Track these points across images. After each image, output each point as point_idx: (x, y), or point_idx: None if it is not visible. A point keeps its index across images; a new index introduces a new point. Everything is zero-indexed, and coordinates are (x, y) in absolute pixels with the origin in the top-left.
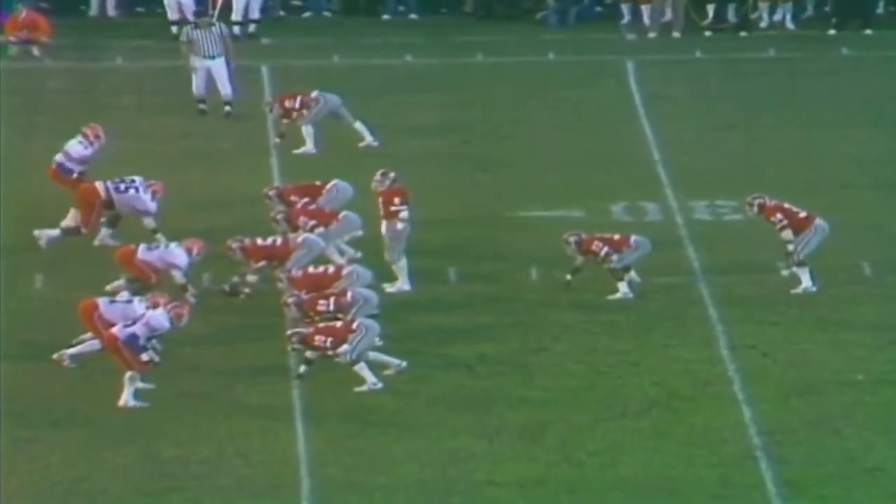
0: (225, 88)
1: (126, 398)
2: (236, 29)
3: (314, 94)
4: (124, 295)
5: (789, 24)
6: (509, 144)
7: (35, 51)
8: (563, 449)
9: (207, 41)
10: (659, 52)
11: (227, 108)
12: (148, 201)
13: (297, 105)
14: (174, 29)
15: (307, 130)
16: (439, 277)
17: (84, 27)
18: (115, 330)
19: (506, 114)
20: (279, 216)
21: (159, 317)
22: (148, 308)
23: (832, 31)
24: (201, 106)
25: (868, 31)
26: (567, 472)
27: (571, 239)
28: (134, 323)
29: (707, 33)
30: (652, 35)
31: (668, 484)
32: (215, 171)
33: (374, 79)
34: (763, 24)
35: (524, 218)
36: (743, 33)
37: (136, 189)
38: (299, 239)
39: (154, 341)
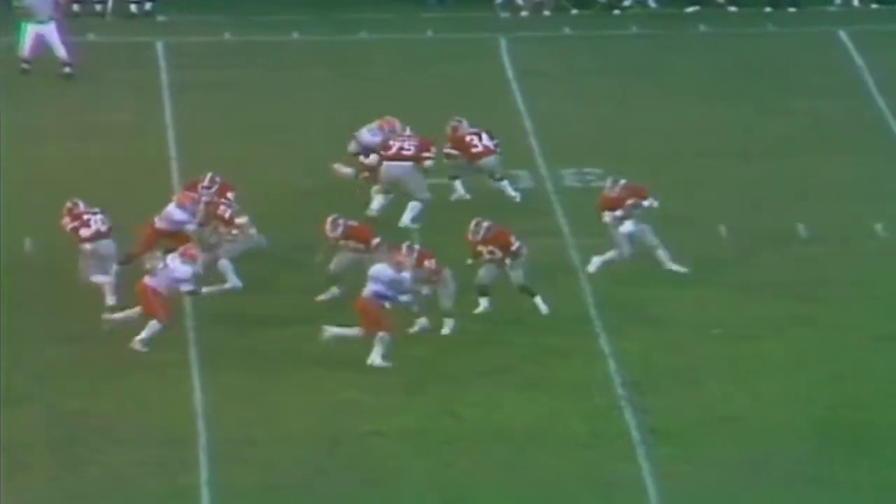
0: (60, 51)
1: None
2: (133, 7)
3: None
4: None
5: (651, 3)
6: (392, 117)
7: None
8: (442, 402)
9: (40, 6)
10: (530, 29)
11: (67, 69)
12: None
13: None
14: (75, 7)
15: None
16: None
17: None
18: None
19: (388, 88)
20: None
21: (179, 266)
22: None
23: (690, 9)
24: (25, 66)
25: (733, 8)
26: (447, 424)
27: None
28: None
29: (574, 11)
30: (524, 14)
31: (540, 434)
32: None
33: (263, 55)
34: (627, 3)
35: None
36: (616, 11)
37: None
38: None
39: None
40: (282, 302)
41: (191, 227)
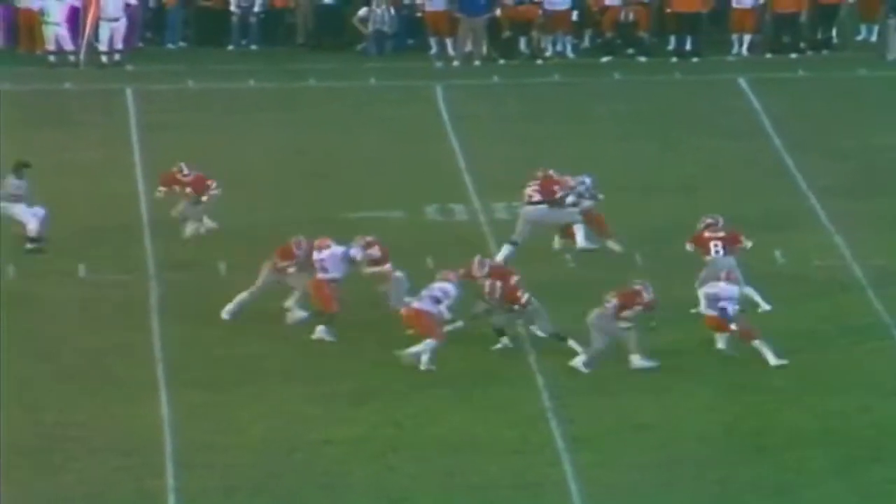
0: None
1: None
2: (104, 57)
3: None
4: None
5: (570, 54)
6: (338, 157)
7: None
8: (385, 412)
9: None
10: (463, 77)
11: None
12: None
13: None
14: (51, 58)
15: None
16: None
17: None
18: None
19: (334, 131)
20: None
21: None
22: None
23: (605, 59)
24: None
25: (643, 58)
26: (389, 433)
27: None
28: None
29: (501, 62)
30: (456, 63)
31: (474, 442)
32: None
33: (222, 100)
34: (548, 54)
35: (353, 219)
36: (539, 61)
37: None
38: None
39: None
40: (239, 323)
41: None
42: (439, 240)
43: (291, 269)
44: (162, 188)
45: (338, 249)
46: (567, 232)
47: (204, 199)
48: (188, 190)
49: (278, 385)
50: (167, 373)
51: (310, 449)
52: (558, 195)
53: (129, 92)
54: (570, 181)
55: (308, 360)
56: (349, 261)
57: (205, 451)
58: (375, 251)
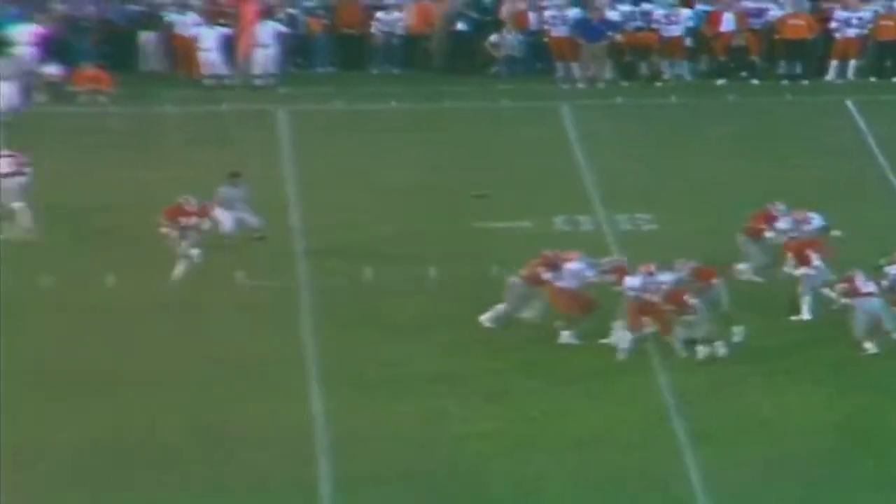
0: None
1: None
2: (258, 81)
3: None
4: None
5: (687, 76)
6: (472, 172)
7: (101, 99)
8: (520, 409)
9: None
10: (587, 98)
11: None
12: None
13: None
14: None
15: None
16: (420, 272)
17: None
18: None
19: (469, 148)
20: None
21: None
22: None
23: (720, 82)
24: None
25: (755, 81)
26: (524, 428)
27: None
28: None
29: (623, 84)
30: (581, 86)
31: (601, 437)
32: None
33: (366, 119)
34: (666, 77)
35: (487, 228)
36: (658, 83)
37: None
38: None
39: None
40: (386, 329)
41: None
42: (566, 248)
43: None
44: (166, 222)
45: (579, 265)
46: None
47: (205, 227)
48: (193, 221)
49: (423, 384)
50: (319, 372)
51: (451, 442)
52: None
53: (281, 112)
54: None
55: (451, 360)
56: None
57: (354, 443)
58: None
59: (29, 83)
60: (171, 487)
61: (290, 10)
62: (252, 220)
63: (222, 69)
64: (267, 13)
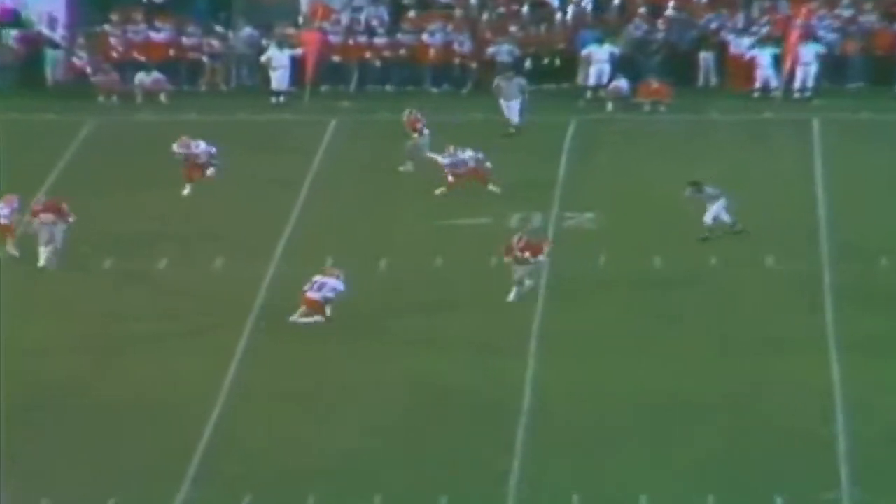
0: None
1: None
2: (798, 94)
3: None
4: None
5: None
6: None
7: (661, 109)
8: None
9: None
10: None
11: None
12: None
13: None
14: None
15: None
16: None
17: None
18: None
19: None
20: None
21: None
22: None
23: None
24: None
25: None
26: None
27: None
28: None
29: None
30: None
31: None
32: None
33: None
34: None
35: None
36: None
37: None
38: None
39: None
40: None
41: None
42: None
43: None
44: None
45: None
46: None
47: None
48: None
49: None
50: (836, 344)
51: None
52: None
53: (815, 121)
54: None
55: None
56: None
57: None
58: None
59: (524, 102)
60: (702, 438)
61: (828, 35)
62: (726, 217)
63: (773, 83)
64: (809, 36)
